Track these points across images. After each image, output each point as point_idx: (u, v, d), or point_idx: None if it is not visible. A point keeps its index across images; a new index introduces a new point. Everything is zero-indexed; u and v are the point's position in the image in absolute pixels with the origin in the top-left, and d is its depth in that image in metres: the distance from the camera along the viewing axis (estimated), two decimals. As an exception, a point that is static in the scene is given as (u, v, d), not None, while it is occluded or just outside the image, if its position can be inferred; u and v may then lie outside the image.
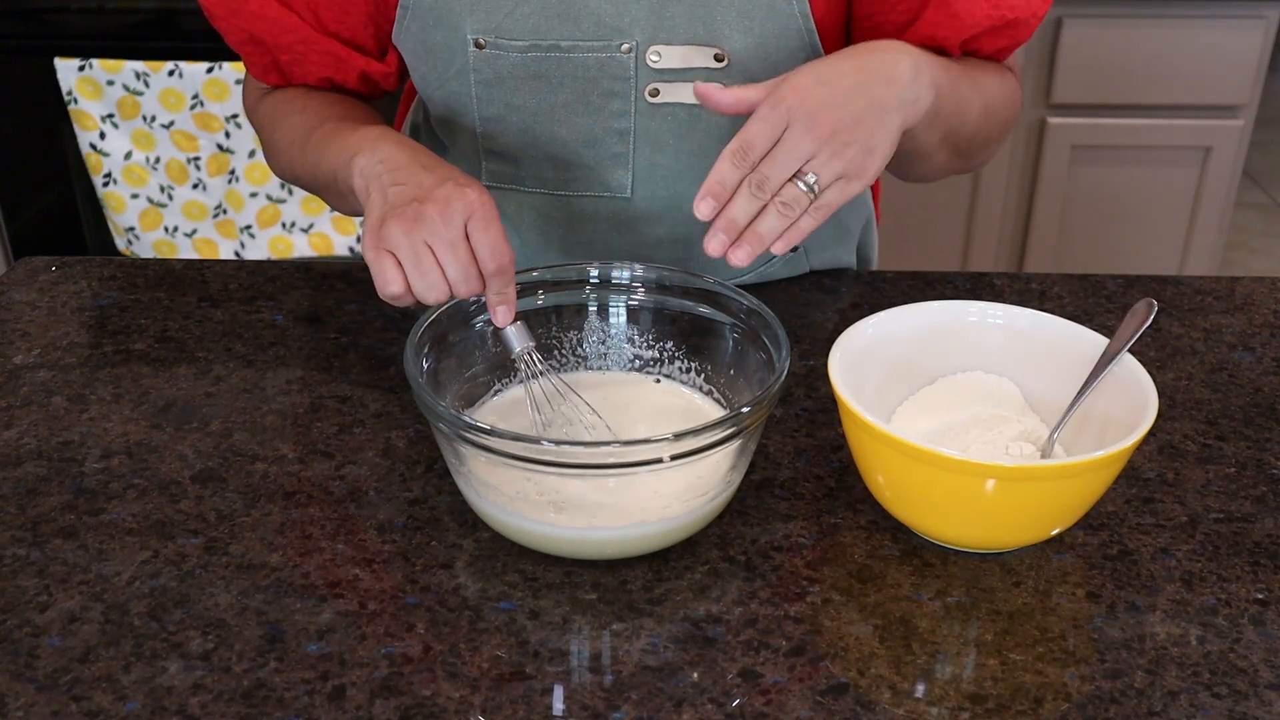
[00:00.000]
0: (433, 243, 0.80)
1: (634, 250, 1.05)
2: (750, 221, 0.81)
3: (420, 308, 0.84)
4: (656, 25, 0.94)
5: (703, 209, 0.81)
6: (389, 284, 0.81)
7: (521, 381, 0.88)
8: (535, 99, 0.98)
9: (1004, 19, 0.95)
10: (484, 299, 0.83)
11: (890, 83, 0.84)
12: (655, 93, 0.97)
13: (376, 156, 0.86)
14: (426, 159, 0.86)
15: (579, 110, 0.98)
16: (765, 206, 0.81)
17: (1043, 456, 0.80)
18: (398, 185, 0.83)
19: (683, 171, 1.01)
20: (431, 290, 0.80)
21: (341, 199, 0.96)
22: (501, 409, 0.89)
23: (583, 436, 0.85)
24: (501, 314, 0.83)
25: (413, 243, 0.80)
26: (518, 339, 0.84)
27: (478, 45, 0.95)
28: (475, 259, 0.81)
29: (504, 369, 0.90)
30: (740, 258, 0.81)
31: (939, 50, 0.98)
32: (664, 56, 0.95)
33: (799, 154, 0.80)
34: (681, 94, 0.97)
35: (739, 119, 0.97)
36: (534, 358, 0.85)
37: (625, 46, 0.95)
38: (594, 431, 0.85)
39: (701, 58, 0.95)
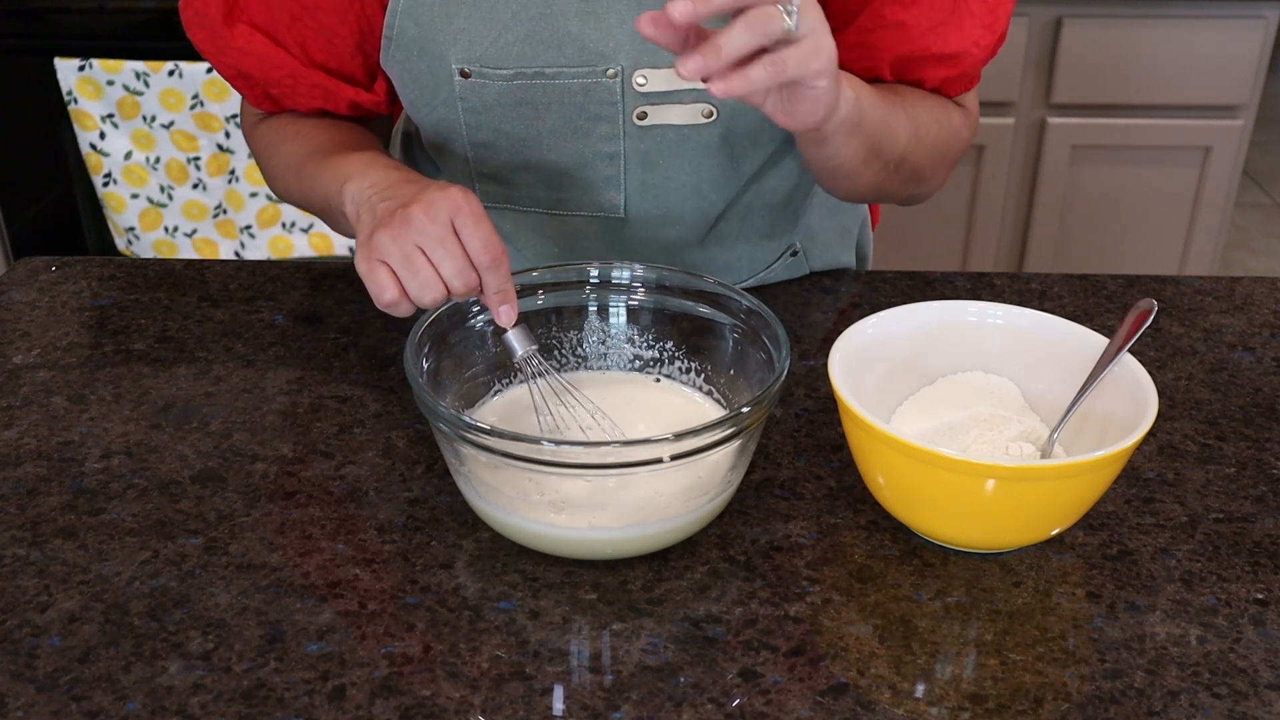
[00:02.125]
0: (422, 243, 0.80)
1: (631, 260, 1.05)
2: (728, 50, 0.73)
3: (420, 314, 0.83)
4: (641, 49, 0.94)
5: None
6: (384, 291, 0.80)
7: (524, 383, 0.88)
8: (523, 125, 0.98)
9: (946, 53, 0.97)
10: (484, 302, 0.83)
11: None
12: (643, 115, 0.97)
13: (366, 182, 0.87)
14: (414, 177, 0.87)
15: (567, 135, 0.98)
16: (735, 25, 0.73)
17: (1043, 456, 0.80)
18: (385, 201, 0.84)
19: (675, 189, 1.01)
20: (427, 289, 0.80)
21: (337, 223, 0.97)
22: (501, 409, 0.89)
23: (592, 437, 0.84)
24: (505, 313, 0.82)
25: (402, 246, 0.80)
26: (520, 343, 0.83)
27: (463, 74, 0.95)
28: (468, 255, 0.81)
29: (504, 369, 0.90)
30: (690, 67, 0.73)
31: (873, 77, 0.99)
32: (650, 80, 0.95)
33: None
34: (670, 116, 0.97)
35: (729, 138, 0.98)
36: (538, 361, 0.84)
37: (611, 71, 0.94)
38: (606, 433, 0.85)
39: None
